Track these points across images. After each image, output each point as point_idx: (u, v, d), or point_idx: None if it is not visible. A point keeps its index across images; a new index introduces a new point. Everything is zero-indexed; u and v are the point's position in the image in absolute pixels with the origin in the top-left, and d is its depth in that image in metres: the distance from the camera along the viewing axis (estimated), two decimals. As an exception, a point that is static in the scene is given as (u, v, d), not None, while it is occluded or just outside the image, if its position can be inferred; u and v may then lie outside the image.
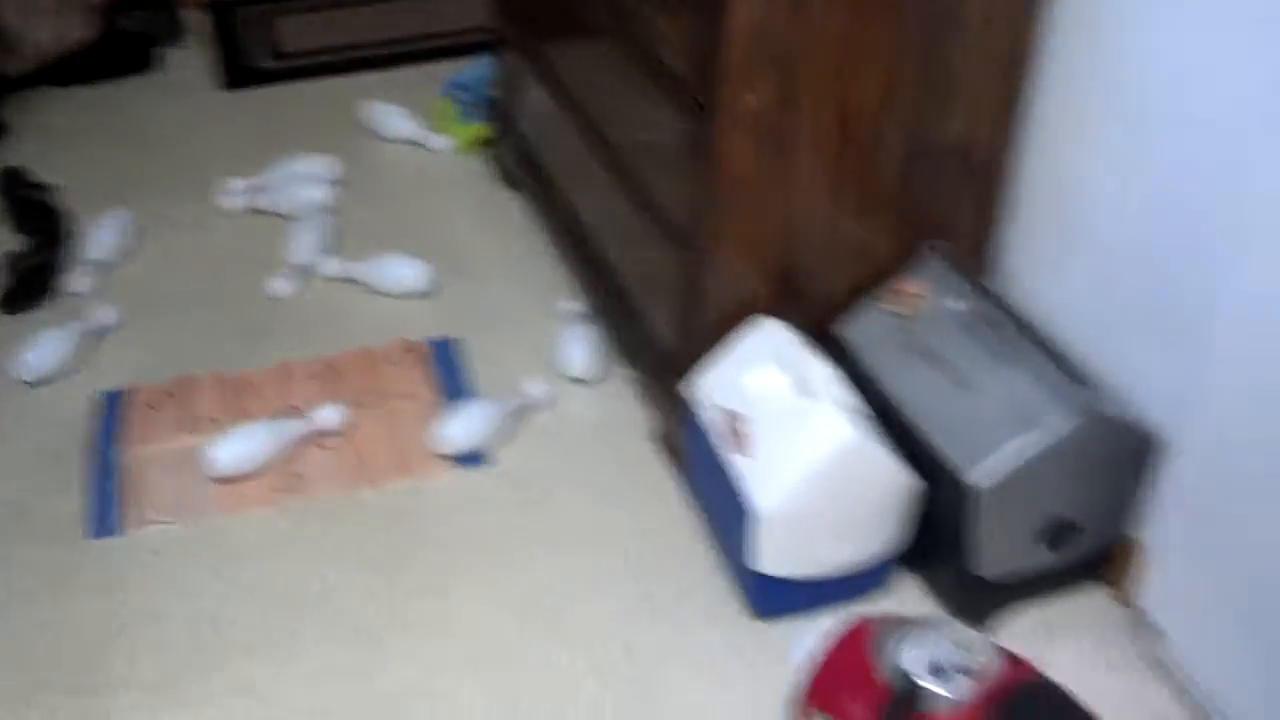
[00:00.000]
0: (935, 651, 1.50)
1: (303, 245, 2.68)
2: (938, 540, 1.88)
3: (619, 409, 2.33)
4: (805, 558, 1.86)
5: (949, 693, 1.46)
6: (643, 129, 2.10)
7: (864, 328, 2.03)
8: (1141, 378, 1.82)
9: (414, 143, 3.10)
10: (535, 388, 2.33)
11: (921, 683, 1.47)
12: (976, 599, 1.89)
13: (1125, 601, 1.91)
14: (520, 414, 2.30)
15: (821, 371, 1.89)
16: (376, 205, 2.88)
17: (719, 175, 1.88)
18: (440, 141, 3.10)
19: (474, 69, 3.10)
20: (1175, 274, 1.74)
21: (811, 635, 1.63)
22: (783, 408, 1.86)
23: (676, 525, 2.09)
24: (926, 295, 2.00)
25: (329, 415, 2.25)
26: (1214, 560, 1.73)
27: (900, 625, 1.56)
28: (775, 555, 1.84)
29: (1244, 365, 1.63)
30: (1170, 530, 1.81)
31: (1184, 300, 1.74)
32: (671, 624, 1.92)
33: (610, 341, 2.40)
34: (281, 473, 2.17)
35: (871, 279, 2.05)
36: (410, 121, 3.12)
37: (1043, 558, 1.87)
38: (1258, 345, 1.60)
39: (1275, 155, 1.54)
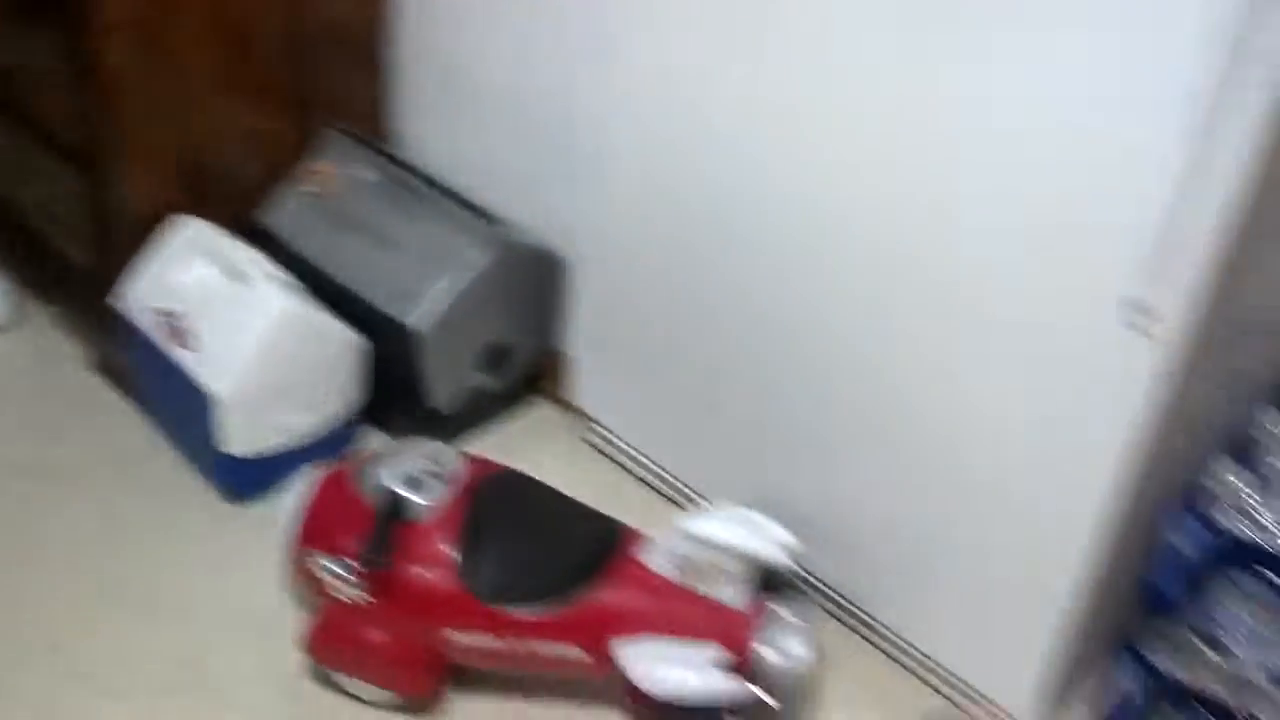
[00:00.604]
0: (408, 467, 1.64)
1: None
2: (393, 389, 2.02)
3: (48, 347, 2.24)
4: (271, 432, 1.93)
5: (427, 498, 1.62)
6: (18, 53, 2.01)
7: (286, 212, 2.11)
8: (542, 207, 2.05)
9: None
10: (-54, 345, 2.19)
11: (400, 495, 1.61)
12: (438, 433, 2.05)
13: (563, 404, 2.17)
14: (-66, 375, 2.15)
15: (250, 257, 1.94)
16: None
17: (107, 86, 1.87)
18: None
19: None
20: (548, 111, 1.98)
21: (294, 490, 1.71)
22: (219, 296, 1.90)
23: (134, 439, 2.07)
24: (337, 171, 2.11)
25: None
26: (624, 352, 2.01)
27: (373, 455, 1.69)
28: (241, 435, 1.90)
29: (620, 186, 1.88)
30: (588, 336, 2.07)
31: (562, 132, 1.97)
32: (154, 530, 1.92)
33: (22, 281, 2.29)
34: None
35: (285, 165, 2.13)
36: None
37: (486, 381, 2.08)
38: (630, 166, 1.85)
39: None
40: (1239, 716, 1.60)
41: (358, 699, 1.69)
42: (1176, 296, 1.34)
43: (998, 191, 1.44)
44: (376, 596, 1.61)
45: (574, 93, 1.94)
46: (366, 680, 1.67)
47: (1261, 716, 1.57)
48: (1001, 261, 1.47)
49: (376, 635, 1.64)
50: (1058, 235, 1.41)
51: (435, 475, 1.65)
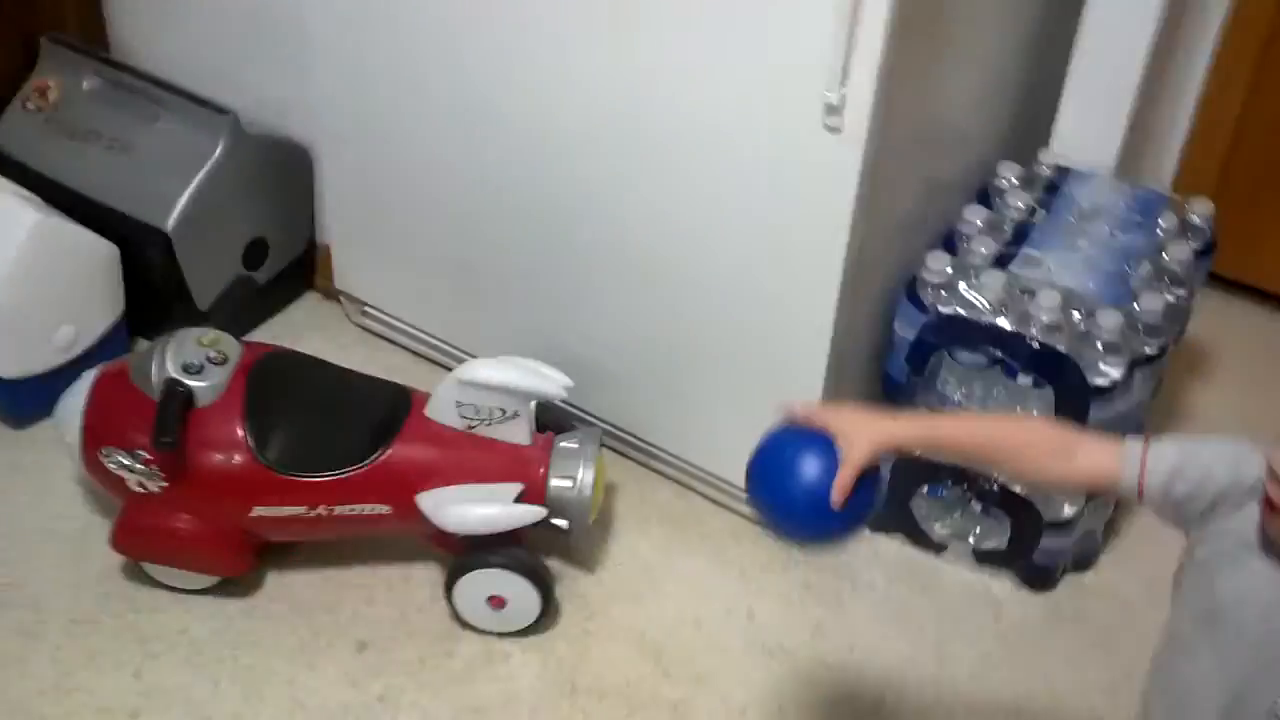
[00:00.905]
0: (184, 356, 1.67)
1: None
2: (155, 293, 2.02)
3: None
4: (37, 350, 1.91)
5: (208, 381, 1.65)
6: None
7: (14, 130, 2.07)
8: (277, 99, 2.07)
9: None
10: None
11: (181, 380, 1.64)
12: (207, 331, 2.08)
13: (329, 292, 2.22)
14: None
15: (-17, 178, 1.91)
16: None
17: None
18: None
19: None
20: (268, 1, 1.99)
21: (72, 397, 1.71)
22: (-41, 221, 1.87)
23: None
24: (60, 84, 2.08)
25: None
26: (381, 233, 2.07)
27: (148, 350, 1.70)
28: (7, 358, 1.88)
29: (352, 69, 1.91)
30: (344, 222, 2.11)
31: (287, 21, 1.97)
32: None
33: None
34: None
35: (5, 84, 2.08)
36: None
37: (248, 277, 2.11)
38: (360, 50, 1.88)
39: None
40: (972, 479, 1.83)
41: (174, 588, 1.74)
42: (863, 96, 1.47)
43: (701, 23, 1.56)
44: (175, 482, 1.65)
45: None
46: (179, 567, 1.72)
47: (994, 473, 1.80)
48: (711, 82, 1.59)
49: (182, 522, 1.67)
50: (758, 50, 1.52)
51: (213, 360, 1.68)
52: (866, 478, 1.18)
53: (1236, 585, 1.04)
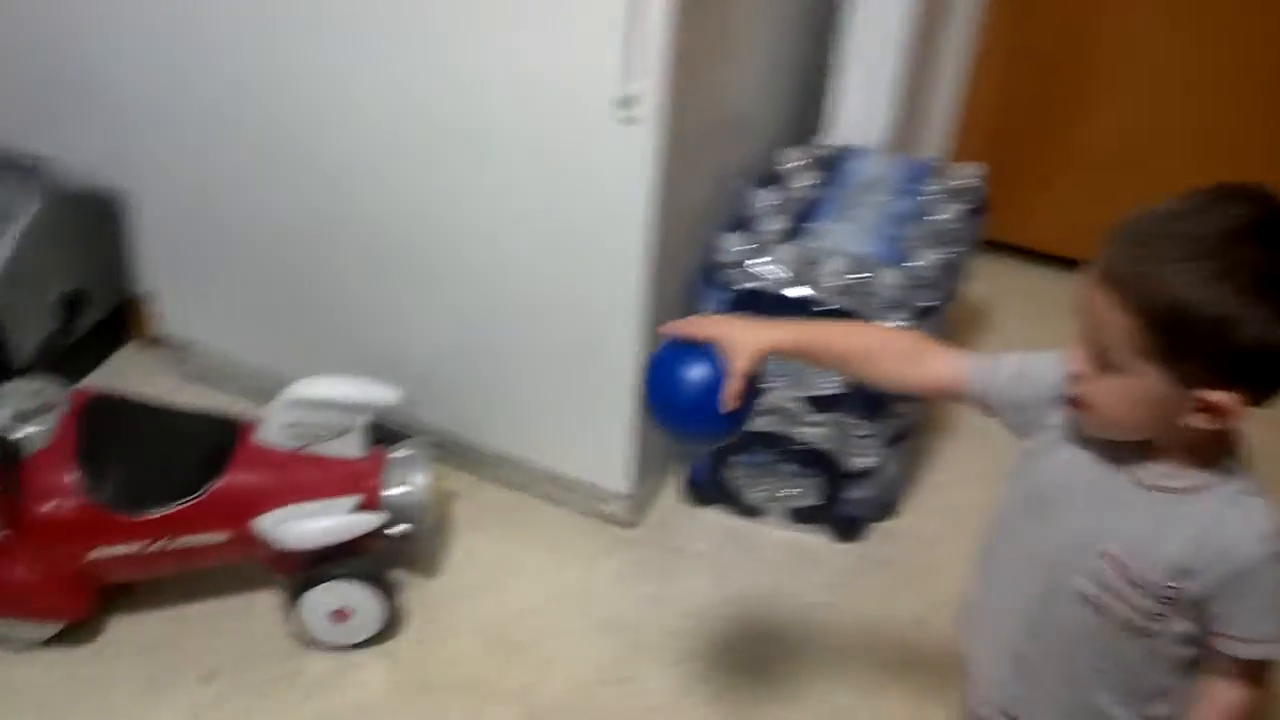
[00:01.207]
0: (11, 406, 1.68)
1: None
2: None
3: None
4: None
5: (36, 429, 1.67)
6: None
7: None
8: (85, 150, 2.07)
9: None
10: None
11: (13, 435, 1.66)
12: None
13: (153, 340, 2.24)
14: None
15: None
16: None
17: None
18: None
19: None
20: (69, 53, 2.00)
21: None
22: None
23: None
24: None
25: None
26: (202, 276, 2.11)
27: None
28: None
29: (150, 119, 1.95)
30: (163, 268, 2.14)
31: (88, 72, 1.99)
32: None
33: None
34: None
35: None
36: None
37: (68, 331, 2.12)
38: (157, 100, 1.92)
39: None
40: (786, 440, 1.94)
41: (18, 639, 1.74)
42: (654, 88, 1.56)
43: (491, 23, 1.63)
44: (11, 532, 1.66)
45: (90, 31, 1.94)
46: (20, 618, 1.73)
47: (799, 435, 1.91)
48: (504, 83, 1.66)
49: (19, 572, 1.68)
50: (550, 47, 1.60)
51: (38, 409, 1.69)
52: (750, 380, 1.27)
53: (1053, 472, 1.17)
